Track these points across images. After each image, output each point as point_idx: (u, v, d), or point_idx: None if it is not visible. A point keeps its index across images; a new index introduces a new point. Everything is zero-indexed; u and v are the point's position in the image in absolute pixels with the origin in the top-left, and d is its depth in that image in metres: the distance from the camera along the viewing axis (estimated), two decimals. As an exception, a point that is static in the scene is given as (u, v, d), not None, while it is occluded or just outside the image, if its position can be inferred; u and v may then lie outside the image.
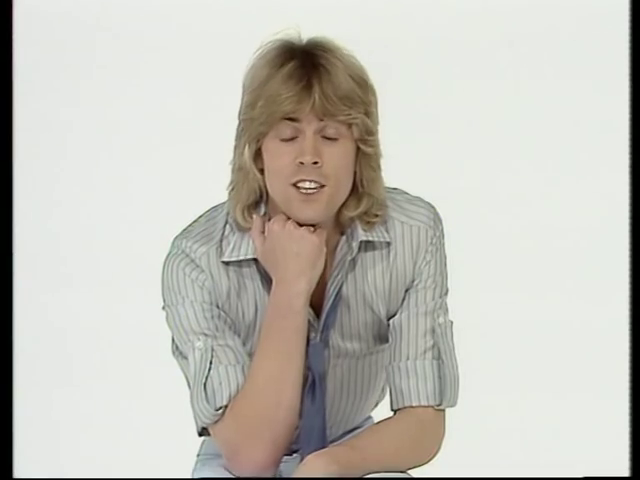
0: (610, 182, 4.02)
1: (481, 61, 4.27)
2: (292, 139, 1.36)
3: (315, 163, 1.35)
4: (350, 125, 1.36)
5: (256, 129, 1.39)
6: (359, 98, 1.37)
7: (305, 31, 1.42)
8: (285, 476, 1.49)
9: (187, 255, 1.45)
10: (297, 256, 1.34)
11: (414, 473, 1.79)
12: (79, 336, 4.04)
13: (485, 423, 3.37)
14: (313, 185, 1.36)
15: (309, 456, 1.40)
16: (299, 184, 1.39)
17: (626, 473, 2.80)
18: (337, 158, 1.35)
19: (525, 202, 4.19)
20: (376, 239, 1.43)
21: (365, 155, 1.41)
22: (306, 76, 1.33)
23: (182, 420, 1.87)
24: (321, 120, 1.35)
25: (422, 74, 4.29)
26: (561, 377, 3.73)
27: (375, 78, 1.47)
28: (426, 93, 4.21)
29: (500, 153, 4.22)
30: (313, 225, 1.38)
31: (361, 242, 1.43)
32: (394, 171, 1.91)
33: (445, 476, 2.96)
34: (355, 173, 1.42)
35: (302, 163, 1.36)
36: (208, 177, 4.30)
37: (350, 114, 1.35)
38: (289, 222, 1.38)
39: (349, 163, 1.39)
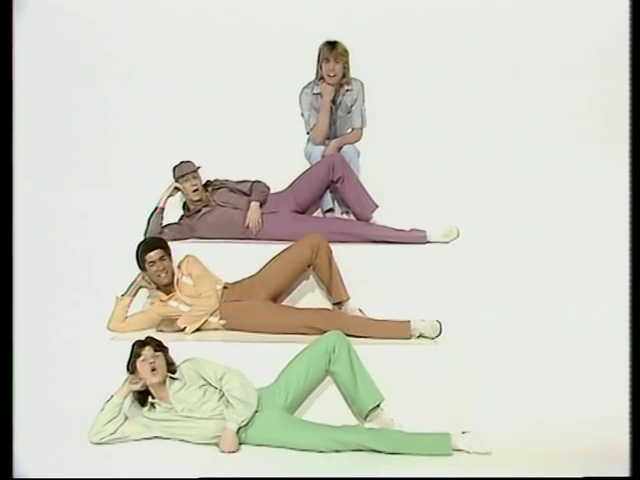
0: (610, 182, 4.04)
1: (481, 62, 4.29)
2: (328, 63, 4.45)
3: (333, 69, 4.46)
4: (342, 60, 4.50)
5: (320, 59, 4.50)
6: (345, 55, 4.47)
7: (334, 31, 4.43)
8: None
9: (304, 91, 4.57)
10: (329, 86, 4.49)
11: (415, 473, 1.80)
12: (79, 337, 4.04)
13: (485, 423, 3.37)
14: (332, 75, 4.46)
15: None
16: (329, 75, 4.47)
17: (626, 473, 2.81)
18: (339, 68, 4.46)
19: (525, 203, 4.20)
20: (349, 88, 4.57)
21: (345, 68, 4.50)
22: (332, 49, 4.46)
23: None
24: (335, 59, 4.48)
25: (423, 74, 4.32)
26: (561, 377, 3.73)
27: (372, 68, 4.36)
28: (430, 93, 4.27)
29: (500, 153, 4.23)
30: (333, 84, 4.54)
31: (346, 90, 4.61)
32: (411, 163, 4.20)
33: (446, 476, 2.97)
34: (344, 72, 4.50)
35: (330, 70, 4.46)
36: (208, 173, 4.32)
37: (343, 58, 4.47)
38: (326, 83, 4.52)
39: (342, 69, 4.48)
